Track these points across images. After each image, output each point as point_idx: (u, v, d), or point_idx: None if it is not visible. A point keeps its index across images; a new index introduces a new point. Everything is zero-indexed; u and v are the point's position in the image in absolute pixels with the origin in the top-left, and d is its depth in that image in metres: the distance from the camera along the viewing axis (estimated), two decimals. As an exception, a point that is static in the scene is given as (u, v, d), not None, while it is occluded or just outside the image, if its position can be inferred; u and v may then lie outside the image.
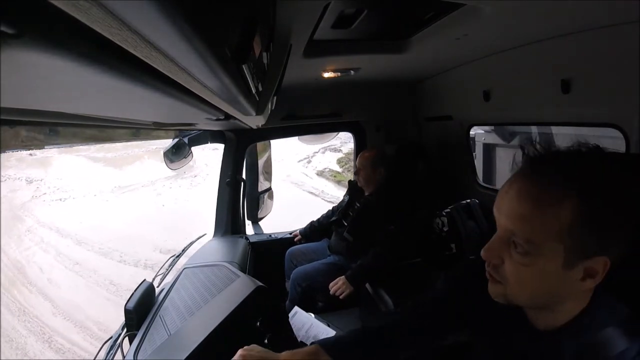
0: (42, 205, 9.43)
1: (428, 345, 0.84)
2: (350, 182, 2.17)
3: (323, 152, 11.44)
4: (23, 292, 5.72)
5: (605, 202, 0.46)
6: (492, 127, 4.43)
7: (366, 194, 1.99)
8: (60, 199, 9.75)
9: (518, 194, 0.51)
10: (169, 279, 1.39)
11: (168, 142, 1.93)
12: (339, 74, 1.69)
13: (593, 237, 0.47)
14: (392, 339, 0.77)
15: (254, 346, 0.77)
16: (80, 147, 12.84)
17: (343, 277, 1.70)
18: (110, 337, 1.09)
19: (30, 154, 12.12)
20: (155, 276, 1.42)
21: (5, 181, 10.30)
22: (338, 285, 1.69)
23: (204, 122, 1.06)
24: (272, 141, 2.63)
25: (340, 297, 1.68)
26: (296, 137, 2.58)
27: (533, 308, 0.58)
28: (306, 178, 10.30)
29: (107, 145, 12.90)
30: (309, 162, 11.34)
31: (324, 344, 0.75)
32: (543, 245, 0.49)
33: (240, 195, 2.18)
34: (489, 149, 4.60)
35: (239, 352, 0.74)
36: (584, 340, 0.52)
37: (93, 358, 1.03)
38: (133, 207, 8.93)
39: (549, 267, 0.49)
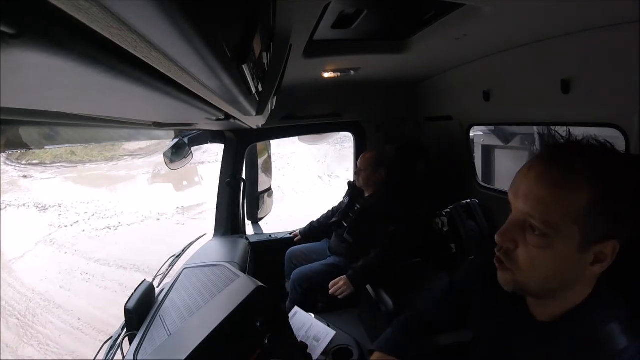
0: (85, 238, 7.32)
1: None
2: (349, 183, 2.17)
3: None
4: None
5: (617, 189, 0.49)
6: (491, 129, 4.44)
7: (366, 194, 1.99)
8: (109, 227, 7.77)
9: (537, 177, 0.52)
10: (169, 279, 1.39)
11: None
12: (339, 74, 1.69)
13: (606, 220, 0.49)
14: (425, 328, 0.87)
15: None
16: (92, 165, 11.30)
17: (344, 277, 1.70)
18: (110, 337, 1.09)
19: (25, 176, 10.62)
20: (155, 276, 1.42)
21: (5, 209, 8.72)
22: (339, 286, 1.68)
23: (204, 122, 1.06)
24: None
25: (340, 297, 1.67)
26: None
27: (539, 295, 0.58)
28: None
29: (122, 163, 11.40)
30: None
31: (383, 348, 0.84)
32: (560, 228, 0.50)
33: (240, 195, 2.18)
34: (487, 151, 4.61)
35: None
36: (583, 334, 0.53)
37: (93, 358, 1.03)
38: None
39: (564, 250, 0.51)
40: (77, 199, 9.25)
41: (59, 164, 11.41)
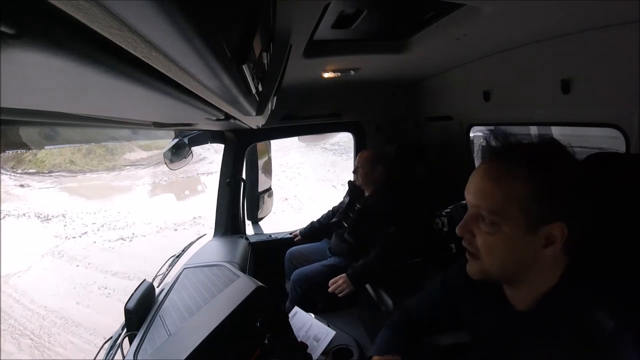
0: (98, 250, 6.77)
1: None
2: (349, 182, 2.17)
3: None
4: None
5: (554, 176, 0.56)
6: (491, 129, 4.43)
7: (366, 194, 1.99)
8: (123, 239, 7.26)
9: (481, 175, 0.61)
10: (169, 279, 1.39)
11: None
12: (339, 74, 1.69)
13: (546, 204, 0.55)
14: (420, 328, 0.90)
15: None
16: (93, 175, 10.45)
17: (344, 275, 1.70)
18: (110, 337, 1.09)
19: (22, 185, 9.96)
20: (155, 276, 1.42)
21: (4, 219, 8.16)
22: (338, 284, 1.68)
23: (204, 122, 1.06)
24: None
25: (340, 295, 1.67)
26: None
27: (506, 281, 0.64)
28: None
29: (124, 173, 10.58)
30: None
31: (383, 351, 0.84)
32: (504, 214, 0.57)
33: (240, 195, 2.18)
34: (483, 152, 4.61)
35: None
36: (561, 321, 0.55)
37: (93, 358, 1.03)
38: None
39: (512, 234, 0.57)
40: (82, 209, 8.71)
41: (58, 173, 10.71)
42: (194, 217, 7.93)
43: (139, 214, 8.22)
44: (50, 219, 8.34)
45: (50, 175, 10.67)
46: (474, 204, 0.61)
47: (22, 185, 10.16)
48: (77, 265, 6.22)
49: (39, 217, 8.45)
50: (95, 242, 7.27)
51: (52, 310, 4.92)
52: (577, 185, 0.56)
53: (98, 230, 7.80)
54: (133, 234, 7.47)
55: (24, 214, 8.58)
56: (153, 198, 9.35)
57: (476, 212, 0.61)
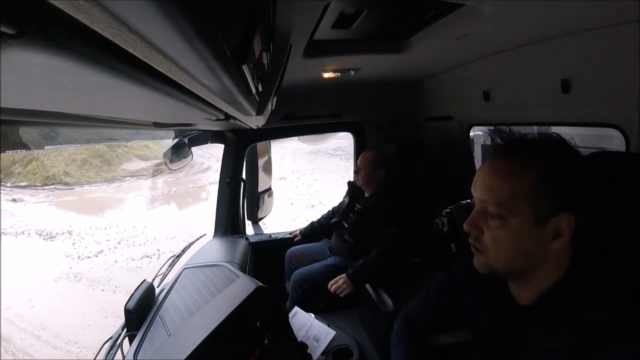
0: (123, 270, 5.98)
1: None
2: (349, 183, 2.17)
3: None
4: None
5: (559, 169, 0.57)
6: (491, 129, 4.43)
7: (366, 195, 1.99)
8: (148, 256, 6.43)
9: (488, 170, 0.61)
10: (169, 279, 1.39)
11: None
12: (339, 74, 1.69)
13: (553, 196, 0.56)
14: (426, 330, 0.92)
15: None
16: (92, 187, 9.59)
17: (344, 275, 1.70)
18: (110, 337, 1.09)
19: (14, 200, 9.16)
20: (155, 276, 1.42)
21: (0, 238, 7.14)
22: (339, 284, 1.69)
23: (204, 122, 1.06)
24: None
25: (341, 295, 1.67)
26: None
27: (513, 276, 0.64)
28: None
29: (126, 184, 9.88)
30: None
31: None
32: (512, 207, 0.57)
33: (240, 195, 2.18)
34: (488, 150, 4.62)
35: None
36: (561, 315, 0.56)
37: (93, 358, 1.03)
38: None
39: (521, 227, 0.57)
40: (89, 224, 7.80)
41: (52, 186, 9.77)
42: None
43: (157, 227, 7.40)
44: (54, 237, 7.40)
45: (44, 189, 9.79)
46: (480, 199, 0.61)
47: (14, 200, 9.25)
48: (103, 290, 5.37)
49: (41, 234, 7.51)
50: (116, 261, 6.42)
51: (86, 347, 4.01)
52: (582, 176, 0.57)
53: (115, 247, 6.94)
54: (158, 250, 6.63)
55: (22, 232, 7.64)
56: (165, 209, 8.66)
57: (483, 207, 0.61)
